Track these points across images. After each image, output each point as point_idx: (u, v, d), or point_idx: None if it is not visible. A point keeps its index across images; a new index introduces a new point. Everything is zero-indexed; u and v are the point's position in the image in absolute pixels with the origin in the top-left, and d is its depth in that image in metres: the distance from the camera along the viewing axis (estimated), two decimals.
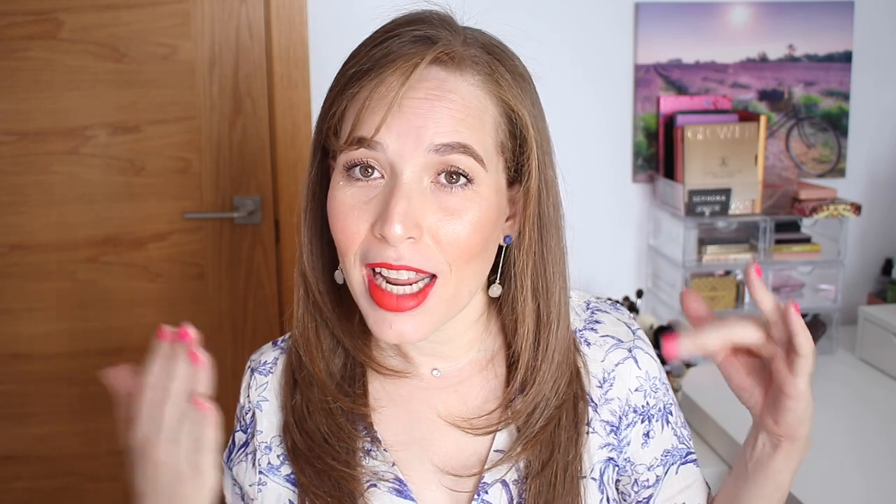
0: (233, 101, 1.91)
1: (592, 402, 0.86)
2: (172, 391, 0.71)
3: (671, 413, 0.89)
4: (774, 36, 1.98)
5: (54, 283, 1.94)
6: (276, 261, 1.99)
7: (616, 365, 0.87)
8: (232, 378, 2.12)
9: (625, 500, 0.88)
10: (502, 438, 0.84)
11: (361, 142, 0.74)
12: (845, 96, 2.03)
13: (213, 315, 1.99)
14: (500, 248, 0.83)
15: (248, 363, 0.92)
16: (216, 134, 1.92)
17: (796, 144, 2.04)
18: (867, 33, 2.01)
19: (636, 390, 0.87)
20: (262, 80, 1.92)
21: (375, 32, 0.79)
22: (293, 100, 1.88)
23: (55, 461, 2.01)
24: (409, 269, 0.74)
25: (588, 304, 0.91)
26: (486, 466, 0.82)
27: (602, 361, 0.87)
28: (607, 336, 0.88)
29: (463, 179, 0.74)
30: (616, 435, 0.86)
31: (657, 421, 0.87)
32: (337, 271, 0.81)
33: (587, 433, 0.85)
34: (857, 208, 1.82)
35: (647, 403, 0.87)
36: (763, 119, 1.85)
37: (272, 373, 0.90)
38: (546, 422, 0.82)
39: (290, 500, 0.86)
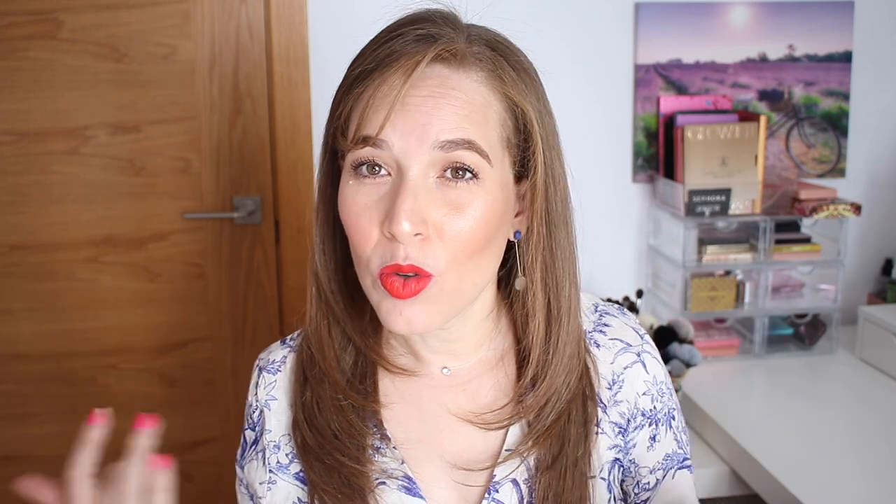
0: (233, 101, 1.91)
1: (601, 402, 0.86)
2: (127, 494, 0.70)
3: (674, 418, 0.90)
4: (774, 36, 1.98)
5: (54, 283, 1.94)
6: (276, 261, 1.99)
7: (625, 368, 0.88)
8: (232, 378, 2.14)
9: (624, 501, 0.89)
10: (514, 435, 0.84)
11: (367, 140, 0.74)
12: (845, 96, 2.03)
13: (213, 315, 1.99)
14: (511, 244, 0.83)
15: (257, 362, 0.93)
16: (216, 134, 1.92)
17: (796, 144, 2.04)
18: (867, 33, 2.01)
19: (644, 394, 0.88)
20: (262, 80, 1.92)
21: (380, 32, 0.79)
22: (293, 100, 1.88)
23: (55, 461, 2.01)
24: (415, 268, 0.74)
25: (596, 307, 0.92)
26: (497, 462, 0.83)
27: (611, 363, 0.88)
28: (616, 339, 0.89)
29: (468, 175, 0.75)
30: (623, 437, 0.87)
31: (662, 425, 0.88)
32: (352, 269, 0.82)
33: (596, 433, 0.85)
34: (857, 208, 1.82)
35: (655, 408, 0.88)
36: (763, 119, 1.85)
37: (280, 371, 0.90)
38: (557, 416, 0.83)
39: (298, 498, 0.86)
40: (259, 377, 0.91)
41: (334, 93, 0.80)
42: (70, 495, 0.70)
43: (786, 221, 1.86)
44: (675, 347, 1.64)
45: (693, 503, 0.88)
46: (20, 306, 1.94)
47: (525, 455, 0.83)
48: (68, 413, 2.00)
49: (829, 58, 2.01)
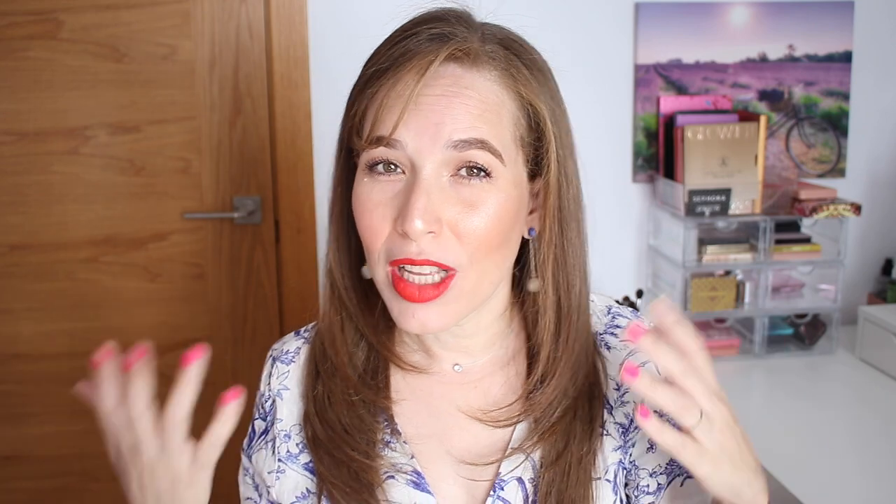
0: (233, 101, 1.91)
1: (608, 403, 0.86)
2: (135, 413, 0.75)
3: None
4: (774, 36, 1.98)
5: (54, 283, 1.94)
6: (276, 261, 1.99)
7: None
8: (232, 378, 2.14)
9: None
10: (520, 432, 0.84)
11: (381, 140, 0.75)
12: (845, 96, 2.03)
13: (213, 315, 1.99)
14: (526, 242, 0.84)
15: (270, 352, 0.93)
16: (216, 134, 1.92)
17: (796, 144, 2.04)
18: (867, 33, 2.01)
19: None
20: (262, 80, 1.92)
21: (394, 32, 0.80)
22: (293, 100, 1.88)
23: (55, 461, 2.01)
24: (430, 263, 0.75)
25: (609, 309, 0.92)
26: (504, 456, 0.83)
27: (621, 365, 0.87)
28: (627, 341, 0.89)
29: (481, 173, 0.75)
30: (625, 436, 0.86)
31: None
32: (364, 267, 0.83)
33: (602, 435, 0.85)
34: (857, 208, 1.82)
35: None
36: (763, 119, 1.85)
37: (294, 362, 0.91)
38: (563, 413, 0.83)
39: (307, 489, 0.86)
40: (272, 367, 0.91)
41: (349, 91, 0.81)
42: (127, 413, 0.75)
43: (786, 221, 1.86)
44: None
45: None
46: (20, 306, 1.94)
47: (530, 451, 0.83)
48: (68, 413, 2.00)
49: (829, 58, 2.01)
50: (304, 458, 0.87)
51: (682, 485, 0.87)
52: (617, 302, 0.94)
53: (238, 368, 2.03)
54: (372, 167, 0.77)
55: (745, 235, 1.87)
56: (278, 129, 1.90)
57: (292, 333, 0.94)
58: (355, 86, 0.80)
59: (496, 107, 0.76)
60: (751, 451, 0.73)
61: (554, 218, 0.81)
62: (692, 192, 1.82)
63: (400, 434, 0.85)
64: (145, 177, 1.92)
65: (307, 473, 0.86)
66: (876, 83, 2.05)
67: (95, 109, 1.88)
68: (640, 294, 1.99)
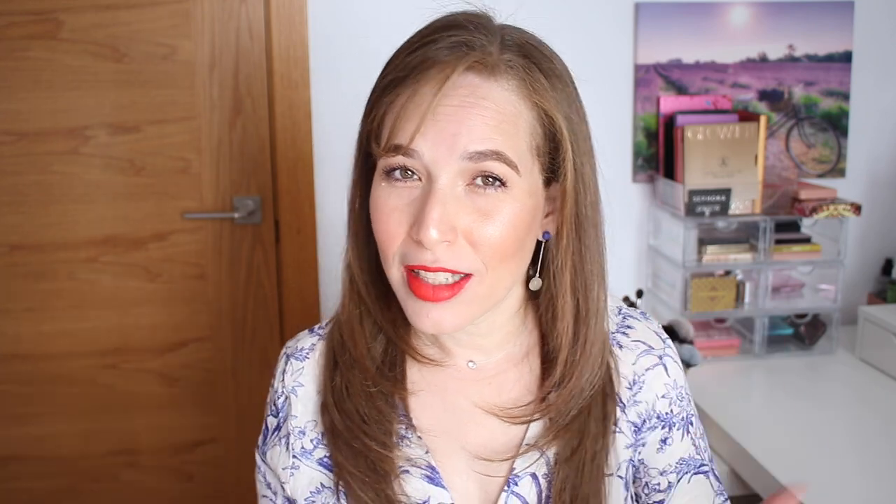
0: (233, 101, 1.91)
1: (621, 402, 0.88)
2: None
3: (692, 423, 0.91)
4: (774, 36, 1.98)
5: (54, 283, 1.94)
6: (276, 261, 1.99)
7: (646, 370, 0.89)
8: (232, 378, 2.14)
9: (636, 502, 0.89)
10: (535, 429, 0.86)
11: (398, 149, 0.76)
12: (845, 96, 2.03)
13: (213, 315, 1.99)
14: (540, 243, 0.84)
15: (284, 349, 0.94)
16: (216, 134, 1.92)
17: (796, 144, 2.04)
18: (867, 33, 2.01)
19: (663, 397, 0.89)
20: (262, 80, 1.92)
21: (413, 37, 0.80)
22: (293, 100, 1.88)
23: (55, 461, 2.01)
24: (445, 270, 0.76)
25: (620, 310, 0.93)
26: (518, 453, 0.84)
27: (633, 364, 0.89)
28: (638, 341, 0.91)
29: (497, 183, 0.76)
30: (636, 435, 0.88)
31: (678, 430, 0.89)
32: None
33: (615, 432, 0.87)
34: (857, 208, 1.82)
35: (671, 411, 0.89)
36: (763, 119, 1.85)
37: (308, 358, 0.92)
38: (578, 411, 0.84)
39: (321, 484, 0.87)
40: (286, 364, 0.92)
41: (368, 95, 0.82)
42: None
43: (786, 221, 1.86)
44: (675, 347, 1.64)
45: None
46: (20, 306, 1.94)
47: (545, 448, 0.84)
48: (68, 413, 2.00)
49: (829, 58, 2.01)
50: (319, 453, 0.88)
51: (689, 482, 0.88)
52: (642, 311, 0.96)
53: (238, 368, 2.03)
54: (389, 173, 0.78)
55: (745, 235, 1.87)
56: (278, 129, 1.90)
57: (306, 331, 0.95)
58: (373, 91, 0.81)
59: (513, 117, 0.76)
60: None
61: (571, 224, 0.81)
62: (692, 192, 1.82)
63: (415, 428, 0.86)
64: (145, 177, 1.92)
65: (322, 469, 0.87)
66: (876, 83, 2.05)
67: (95, 109, 1.88)
68: (640, 294, 1.99)
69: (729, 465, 1.50)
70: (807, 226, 1.91)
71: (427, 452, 0.85)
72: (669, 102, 1.97)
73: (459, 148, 0.74)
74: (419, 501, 0.84)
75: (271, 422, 0.92)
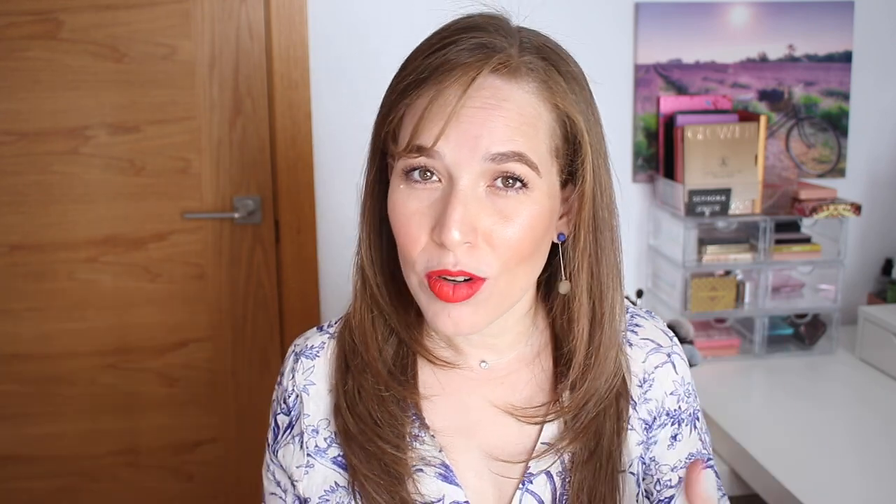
0: (233, 101, 1.91)
1: (632, 399, 0.88)
2: None
3: (698, 419, 0.92)
4: (774, 36, 1.98)
5: (54, 283, 1.94)
6: (276, 261, 1.99)
7: (656, 367, 0.90)
8: (232, 378, 2.14)
9: (647, 499, 0.90)
10: (550, 430, 0.86)
11: (420, 150, 0.76)
12: (845, 96, 2.03)
13: (213, 315, 1.99)
14: (555, 245, 0.85)
15: (293, 347, 0.93)
16: (216, 134, 1.92)
17: (796, 144, 2.04)
18: (867, 33, 2.01)
19: (671, 394, 0.90)
20: (262, 80, 1.92)
21: (432, 38, 0.80)
22: (293, 100, 1.88)
23: (55, 461, 2.01)
24: (465, 273, 0.76)
25: (627, 309, 0.94)
26: (533, 455, 0.85)
27: (643, 362, 0.90)
28: (647, 339, 0.92)
29: (518, 184, 0.77)
30: (647, 433, 0.89)
31: (686, 425, 0.90)
32: (398, 263, 0.84)
33: (626, 429, 0.87)
34: (857, 208, 1.82)
35: (679, 408, 0.90)
36: (763, 119, 1.85)
37: (319, 357, 0.91)
38: (595, 413, 0.85)
39: (335, 482, 0.87)
40: (297, 362, 0.92)
41: (384, 95, 0.81)
42: None
43: (786, 221, 1.86)
44: None
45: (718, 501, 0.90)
46: (20, 306, 1.94)
47: (563, 451, 0.85)
48: (68, 413, 2.00)
49: (829, 58, 2.01)
50: (333, 452, 0.88)
51: None
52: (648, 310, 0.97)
53: (238, 368, 2.03)
54: (408, 174, 0.78)
55: (745, 235, 1.87)
56: (278, 129, 1.90)
57: (314, 329, 0.95)
58: (391, 91, 0.81)
59: (533, 119, 0.77)
60: None
61: (589, 227, 0.82)
62: (692, 192, 1.82)
63: (428, 427, 0.86)
64: (145, 177, 1.92)
65: (336, 467, 0.87)
66: (876, 83, 2.05)
67: (95, 109, 1.88)
68: (640, 294, 1.99)
69: (729, 465, 1.50)
70: (807, 226, 1.91)
71: (441, 451, 0.85)
72: (669, 102, 1.97)
73: (482, 149, 0.75)
74: (434, 500, 0.84)
75: (282, 420, 0.91)
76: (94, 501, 2.04)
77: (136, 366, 1.99)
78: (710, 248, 1.83)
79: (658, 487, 0.88)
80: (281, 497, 0.91)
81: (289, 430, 0.90)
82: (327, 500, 0.87)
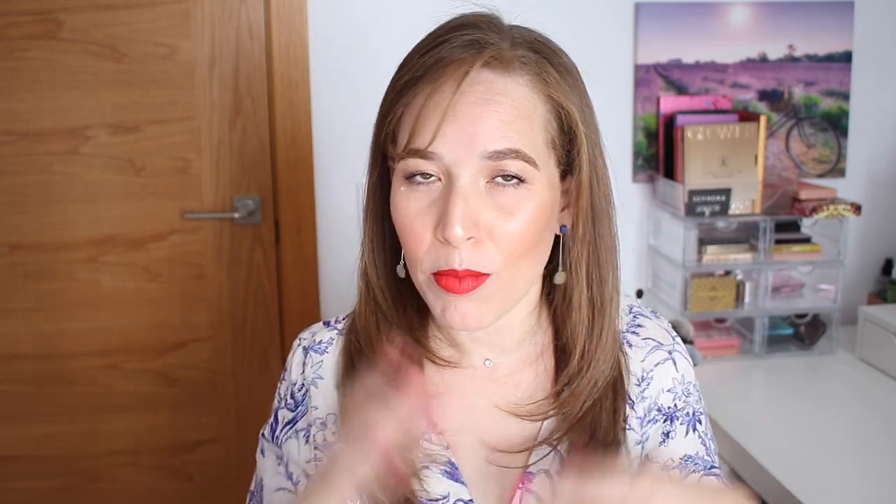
0: (233, 101, 1.91)
1: (630, 399, 0.89)
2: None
3: (699, 421, 0.91)
4: (774, 36, 1.98)
5: (54, 283, 1.94)
6: (276, 261, 1.99)
7: (656, 365, 0.90)
8: (232, 378, 2.14)
9: None
10: (550, 425, 0.87)
11: (418, 152, 0.77)
12: (845, 96, 2.03)
13: (213, 315, 1.99)
14: (557, 237, 0.85)
15: (299, 341, 0.94)
16: (216, 134, 1.92)
17: (796, 144, 2.04)
18: (867, 33, 2.01)
19: (668, 391, 0.90)
20: (262, 80, 1.92)
21: (425, 38, 0.81)
22: (293, 100, 1.88)
23: (55, 461, 2.01)
24: (470, 273, 0.77)
25: (631, 308, 0.95)
26: (527, 447, 0.85)
27: (643, 361, 0.90)
28: (649, 339, 0.92)
29: (515, 180, 0.77)
30: (640, 428, 0.89)
31: (682, 424, 0.90)
32: (399, 266, 0.85)
33: (625, 429, 0.87)
34: (857, 208, 1.82)
35: (675, 406, 0.90)
36: (763, 119, 1.85)
37: (327, 352, 0.92)
38: (592, 403, 0.85)
39: None
40: (305, 356, 0.92)
41: (382, 97, 0.82)
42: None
43: (786, 221, 1.86)
44: None
45: None
46: (20, 306, 1.94)
47: (558, 442, 0.85)
48: (68, 413, 2.00)
49: (829, 58, 2.01)
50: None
51: (699, 481, 0.88)
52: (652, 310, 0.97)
53: (238, 368, 2.03)
54: (409, 177, 0.79)
55: (745, 235, 1.87)
56: (278, 129, 1.90)
57: (321, 324, 0.95)
58: (389, 93, 0.81)
59: (528, 112, 0.78)
60: None
61: (587, 216, 0.83)
62: (692, 192, 1.82)
63: (435, 425, 0.86)
64: (145, 177, 1.92)
65: None
66: (876, 83, 2.05)
67: (95, 109, 1.88)
68: (639, 294, 1.99)
69: (729, 465, 1.50)
70: (807, 226, 1.91)
71: (447, 449, 0.86)
72: (669, 102, 1.97)
73: (478, 147, 0.75)
74: (439, 497, 0.85)
75: (284, 414, 0.92)
76: (94, 501, 2.04)
77: (136, 366, 1.99)
78: (710, 248, 1.83)
79: None
80: (291, 491, 0.90)
81: (290, 426, 0.91)
82: None
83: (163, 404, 2.02)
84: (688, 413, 0.90)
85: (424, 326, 0.90)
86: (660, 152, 1.97)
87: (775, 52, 1.99)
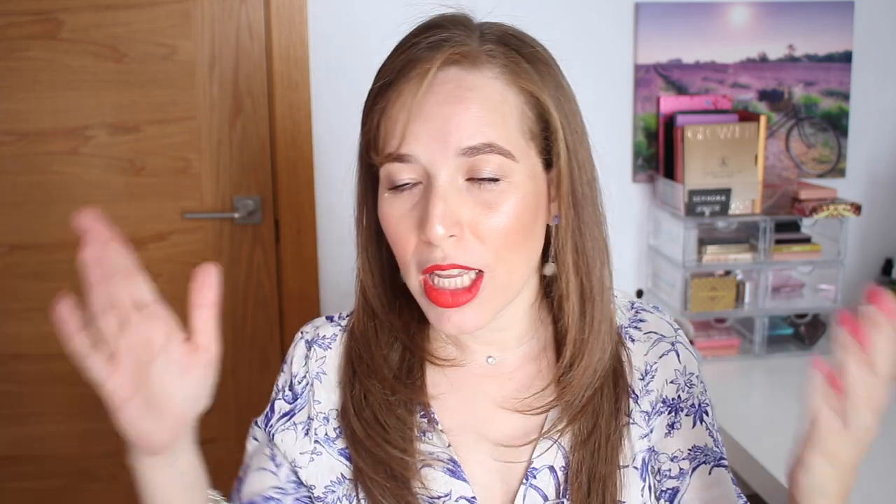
0: (233, 101, 1.91)
1: (634, 394, 0.88)
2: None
3: (706, 413, 0.91)
4: (774, 36, 1.98)
5: (54, 283, 1.94)
6: (276, 261, 1.99)
7: (660, 357, 0.90)
8: (232, 378, 2.14)
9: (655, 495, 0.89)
10: (553, 418, 0.86)
11: (391, 156, 0.77)
12: (845, 96, 2.03)
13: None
14: (550, 228, 0.85)
15: (301, 335, 0.94)
16: (216, 134, 1.92)
17: (796, 144, 2.04)
18: (867, 33, 2.01)
19: (671, 382, 0.90)
20: (262, 80, 1.92)
21: (397, 44, 0.82)
22: (293, 100, 1.88)
23: (55, 461, 2.01)
24: (456, 266, 0.77)
25: (633, 304, 0.95)
26: (530, 440, 0.85)
27: (645, 355, 0.90)
28: (651, 332, 0.92)
29: (494, 175, 0.77)
30: (647, 423, 0.89)
31: (688, 416, 0.89)
32: (400, 273, 0.85)
33: (629, 424, 0.87)
34: (857, 208, 1.82)
35: (679, 397, 0.89)
36: (763, 119, 1.85)
37: (330, 348, 0.92)
38: (592, 393, 0.85)
39: (342, 474, 0.88)
40: (309, 350, 0.92)
41: (363, 106, 0.83)
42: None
43: (786, 221, 1.86)
44: None
45: (728, 500, 0.88)
46: (20, 306, 1.94)
47: (561, 433, 0.85)
48: (68, 413, 2.00)
49: (829, 58, 2.01)
50: (341, 443, 0.88)
51: (710, 473, 0.88)
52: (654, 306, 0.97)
53: (238, 368, 2.03)
54: (391, 183, 0.79)
55: (745, 235, 1.87)
56: (278, 129, 1.90)
57: (324, 318, 0.95)
58: (366, 101, 0.82)
59: (500, 105, 0.77)
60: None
61: (569, 204, 0.82)
62: (692, 192, 1.82)
63: (437, 423, 0.87)
64: (145, 177, 1.92)
65: (343, 459, 0.88)
66: (876, 83, 2.05)
67: (95, 109, 1.88)
68: (639, 294, 1.99)
69: (729, 465, 1.50)
70: (807, 226, 1.91)
71: (449, 447, 0.86)
72: (669, 102, 1.97)
73: (452, 145, 0.75)
74: (441, 495, 0.85)
75: (281, 406, 0.91)
76: (94, 501, 2.04)
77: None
78: (710, 248, 1.83)
79: (658, 477, 0.87)
80: (273, 472, 0.90)
81: (287, 418, 0.90)
82: (333, 491, 0.88)
83: None
84: (693, 404, 0.90)
85: (423, 329, 0.90)
86: (660, 152, 1.97)
87: (775, 52, 1.99)
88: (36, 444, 2.00)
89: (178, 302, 0.75)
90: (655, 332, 0.92)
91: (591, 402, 0.85)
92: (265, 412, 0.93)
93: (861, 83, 2.03)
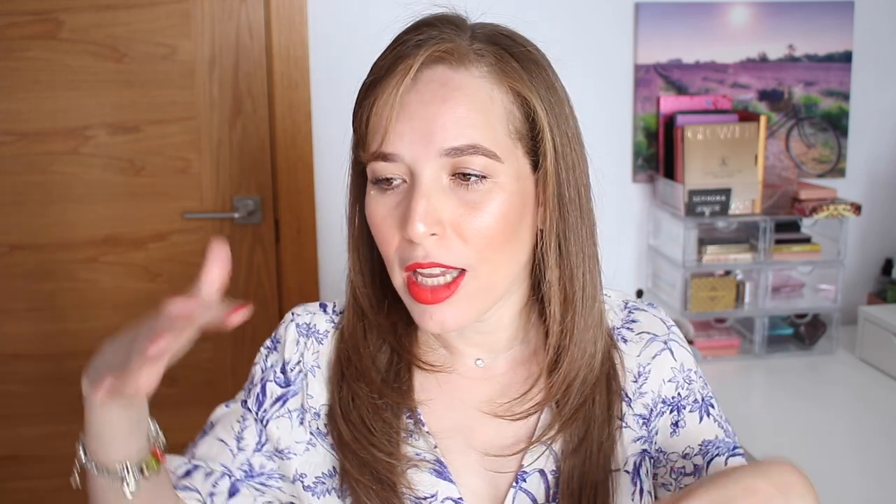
0: (233, 101, 1.91)
1: (627, 396, 0.88)
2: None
3: (712, 406, 0.90)
4: (774, 36, 1.98)
5: (54, 283, 1.94)
6: (276, 261, 1.99)
7: (653, 357, 0.89)
8: (232, 378, 2.14)
9: (655, 494, 0.89)
10: (544, 424, 0.86)
11: (375, 154, 0.77)
12: (845, 96, 2.03)
13: None
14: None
15: (293, 316, 0.92)
16: (216, 134, 1.92)
17: (796, 144, 2.04)
18: (867, 33, 2.01)
19: (669, 381, 0.89)
20: (262, 80, 1.92)
21: (389, 42, 0.81)
22: (293, 100, 1.88)
23: (55, 461, 2.01)
24: (437, 265, 0.77)
25: (626, 304, 0.93)
26: (522, 448, 0.84)
27: (638, 356, 0.89)
28: (643, 332, 0.91)
29: (477, 175, 0.76)
30: (647, 427, 0.88)
31: (692, 412, 0.88)
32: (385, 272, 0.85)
33: (621, 427, 0.86)
34: (857, 208, 1.82)
35: (679, 394, 0.89)
36: (763, 119, 1.85)
37: (323, 343, 0.91)
38: (583, 399, 0.84)
39: (333, 468, 0.88)
40: (306, 339, 0.91)
41: (353, 105, 0.82)
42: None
43: (786, 221, 1.86)
44: None
45: None
46: (20, 306, 1.94)
47: (552, 440, 0.84)
48: (68, 413, 1.99)
49: (829, 58, 2.01)
50: (332, 438, 0.88)
51: (725, 464, 0.86)
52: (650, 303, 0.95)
53: (238, 368, 2.03)
54: (377, 182, 0.79)
55: (745, 235, 1.87)
56: (278, 129, 1.90)
57: (318, 307, 0.94)
58: (356, 100, 0.82)
59: (485, 104, 0.77)
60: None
61: (554, 206, 0.81)
62: (692, 192, 1.82)
63: (423, 424, 0.86)
64: (145, 177, 1.92)
65: (334, 453, 0.88)
66: (876, 83, 2.05)
67: (95, 109, 1.88)
68: (639, 294, 1.99)
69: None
70: (807, 226, 1.91)
71: (435, 448, 0.85)
72: (669, 102, 1.97)
73: (436, 145, 0.75)
74: (427, 495, 0.84)
75: (273, 389, 0.91)
76: None
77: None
78: (710, 248, 1.83)
79: (674, 476, 0.86)
80: (232, 451, 0.91)
81: (280, 403, 0.90)
82: (323, 483, 0.88)
83: (163, 404, 2.00)
84: (695, 400, 0.89)
85: (411, 333, 0.89)
86: (660, 152, 1.97)
87: (775, 52, 1.99)
88: (36, 444, 2.00)
89: None
90: (648, 332, 0.90)
91: (583, 408, 0.84)
92: (254, 393, 0.91)
93: (861, 83, 2.03)
